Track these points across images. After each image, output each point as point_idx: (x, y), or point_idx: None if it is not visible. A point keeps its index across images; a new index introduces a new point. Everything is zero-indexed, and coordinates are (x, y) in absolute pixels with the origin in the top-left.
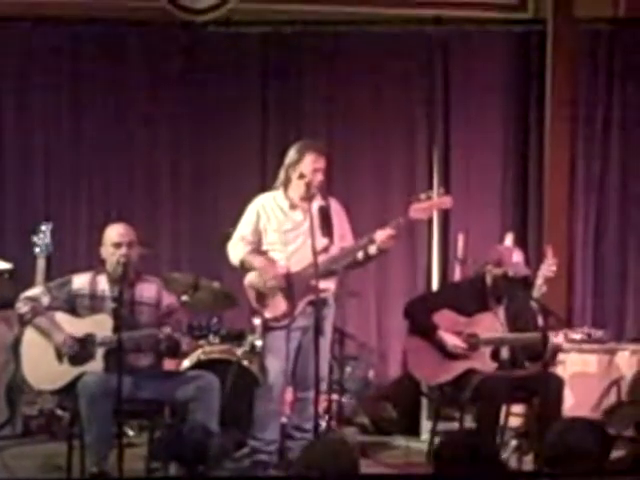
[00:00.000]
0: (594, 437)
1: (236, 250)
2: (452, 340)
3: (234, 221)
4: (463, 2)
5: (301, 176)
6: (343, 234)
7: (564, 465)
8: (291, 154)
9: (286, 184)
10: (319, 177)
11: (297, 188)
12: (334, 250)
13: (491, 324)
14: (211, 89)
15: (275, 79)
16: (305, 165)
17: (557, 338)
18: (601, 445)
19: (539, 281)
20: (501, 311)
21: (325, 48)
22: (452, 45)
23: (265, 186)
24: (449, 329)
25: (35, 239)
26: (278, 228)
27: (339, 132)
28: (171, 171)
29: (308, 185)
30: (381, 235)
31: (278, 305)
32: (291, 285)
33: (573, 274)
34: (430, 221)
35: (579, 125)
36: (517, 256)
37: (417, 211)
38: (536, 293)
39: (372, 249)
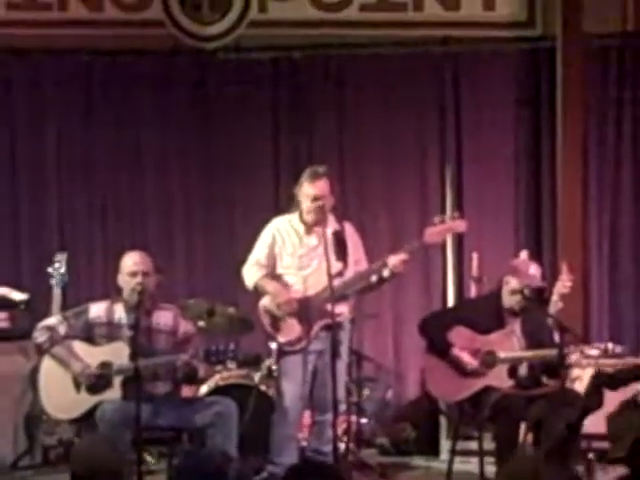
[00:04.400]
0: None
1: (250, 274)
2: (465, 357)
3: (248, 246)
4: (471, 22)
5: (304, 202)
6: (358, 258)
7: None
8: (300, 180)
9: (300, 208)
10: (318, 204)
11: (306, 213)
12: (348, 274)
13: (508, 341)
14: (222, 115)
15: (285, 103)
16: (303, 192)
17: (573, 355)
18: None
19: (555, 297)
20: (517, 328)
21: (335, 71)
22: (462, 64)
23: (278, 211)
24: (466, 347)
25: (50, 270)
26: (293, 252)
27: (351, 154)
28: (184, 197)
29: (307, 212)
30: (394, 260)
31: (292, 329)
32: (305, 309)
33: (589, 290)
34: (444, 241)
35: (591, 141)
36: (534, 269)
37: (431, 235)
38: (552, 309)
39: (386, 272)
